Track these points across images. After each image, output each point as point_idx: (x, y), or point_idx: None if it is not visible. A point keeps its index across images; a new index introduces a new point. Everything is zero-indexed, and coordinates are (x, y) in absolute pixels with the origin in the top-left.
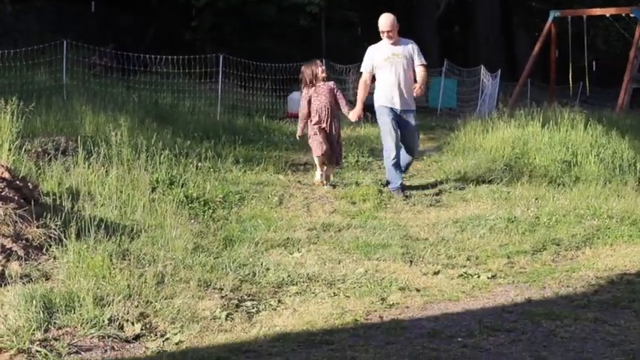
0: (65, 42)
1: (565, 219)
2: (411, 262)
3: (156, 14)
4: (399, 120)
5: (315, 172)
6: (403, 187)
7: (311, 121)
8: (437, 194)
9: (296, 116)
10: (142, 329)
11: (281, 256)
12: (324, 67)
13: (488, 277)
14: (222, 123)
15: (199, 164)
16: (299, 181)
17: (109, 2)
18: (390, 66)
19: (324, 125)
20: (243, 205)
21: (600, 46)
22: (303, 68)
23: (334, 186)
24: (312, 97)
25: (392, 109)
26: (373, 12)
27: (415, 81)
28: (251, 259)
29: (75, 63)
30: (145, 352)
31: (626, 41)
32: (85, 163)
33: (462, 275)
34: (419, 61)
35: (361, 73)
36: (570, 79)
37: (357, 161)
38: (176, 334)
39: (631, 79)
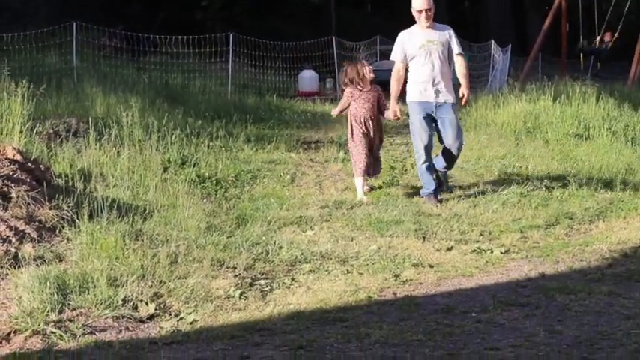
0: (75, 24)
1: (578, 192)
2: (424, 238)
3: None
4: (434, 116)
5: (356, 187)
6: (437, 193)
7: (353, 126)
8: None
9: (307, 94)
10: (156, 309)
11: (294, 234)
12: (371, 67)
13: (501, 252)
14: (233, 102)
15: (211, 144)
16: (310, 159)
17: None
18: (425, 55)
19: (369, 133)
20: (255, 183)
21: (611, 20)
22: (346, 67)
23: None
24: (357, 100)
25: (425, 103)
26: None
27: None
28: (264, 238)
29: (85, 45)
30: (159, 331)
31: (637, 14)
32: (96, 145)
33: (475, 250)
34: (457, 49)
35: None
36: (581, 54)
37: None
38: (190, 313)
39: None
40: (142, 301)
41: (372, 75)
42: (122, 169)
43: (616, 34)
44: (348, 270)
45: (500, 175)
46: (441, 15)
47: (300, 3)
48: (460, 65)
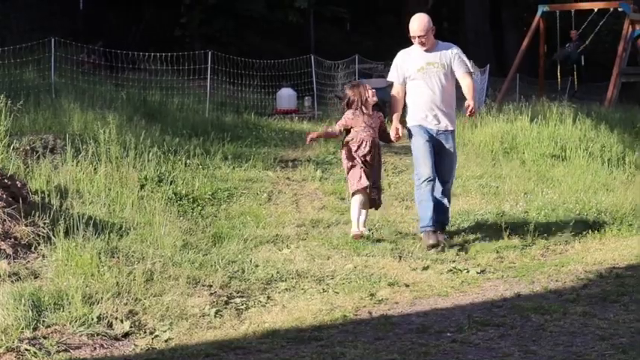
0: (53, 40)
1: (554, 213)
2: (400, 257)
3: (145, 11)
4: (435, 143)
5: (351, 213)
6: (436, 226)
7: (352, 151)
8: None
9: (285, 113)
10: (130, 327)
11: (270, 253)
12: (374, 91)
13: (477, 272)
14: (210, 120)
15: (188, 161)
16: (288, 178)
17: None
18: (424, 78)
19: (369, 158)
20: (232, 201)
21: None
22: (348, 91)
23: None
24: (359, 124)
25: (427, 129)
26: (361, 8)
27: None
28: (240, 256)
29: (63, 61)
30: (134, 349)
31: (613, 36)
32: (73, 161)
33: (451, 270)
34: (463, 69)
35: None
36: (559, 74)
37: None
38: (165, 331)
39: (620, 72)
40: (116, 318)
41: (374, 99)
42: (99, 185)
43: (586, 42)
44: (323, 289)
45: (477, 194)
46: None
47: (279, 21)
48: (466, 86)
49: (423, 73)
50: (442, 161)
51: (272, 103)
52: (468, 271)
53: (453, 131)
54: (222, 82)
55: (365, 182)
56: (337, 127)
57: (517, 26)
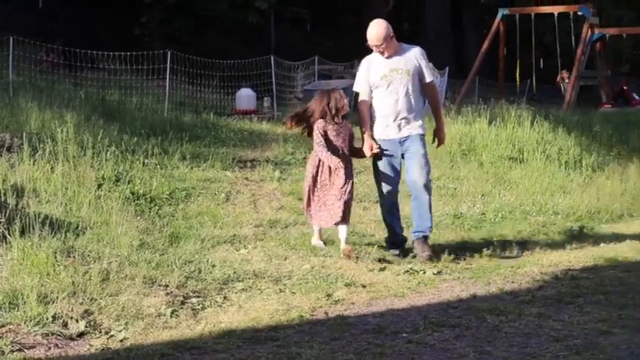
0: (12, 38)
1: (511, 215)
2: (357, 258)
3: (105, 9)
4: (401, 152)
5: (312, 234)
6: (402, 243)
7: (318, 166)
8: None
9: (244, 113)
10: (86, 326)
11: (227, 253)
12: (348, 98)
13: (433, 273)
14: (169, 119)
15: (146, 161)
16: (246, 178)
17: None
18: (387, 86)
19: (340, 174)
20: (189, 201)
21: (548, 44)
22: (318, 98)
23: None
24: (330, 137)
25: (389, 142)
26: (321, 8)
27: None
28: (197, 256)
29: (22, 59)
30: (89, 349)
31: (576, 38)
32: (30, 160)
33: (407, 271)
34: (427, 77)
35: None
36: (518, 77)
37: (304, 157)
38: (120, 331)
39: (578, 76)
40: (72, 318)
41: (347, 110)
42: (56, 185)
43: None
44: (280, 289)
45: (434, 196)
46: None
47: (239, 21)
48: (430, 97)
49: (387, 81)
50: (409, 163)
51: (231, 103)
52: (424, 272)
53: (419, 135)
54: (182, 81)
55: (330, 222)
56: (320, 150)
57: (477, 28)
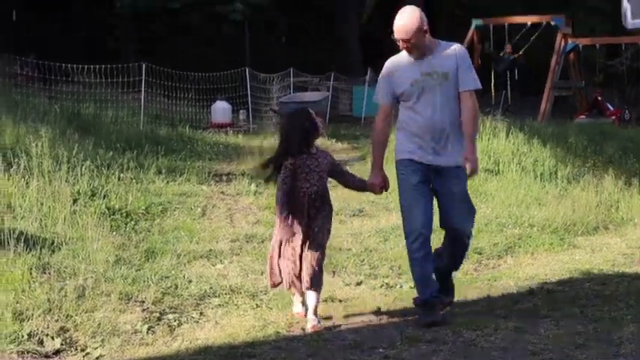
0: None
1: (487, 228)
2: (334, 272)
3: (79, 22)
4: (434, 184)
5: (293, 298)
6: (440, 301)
7: (285, 210)
8: (360, 204)
9: (220, 126)
10: (62, 344)
11: (203, 268)
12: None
13: (410, 287)
14: (145, 133)
15: (121, 175)
16: (222, 192)
17: (30, 11)
18: (419, 94)
19: (310, 221)
20: (165, 216)
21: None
22: (289, 119)
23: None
24: (299, 170)
25: (420, 164)
26: (298, 18)
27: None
28: (173, 272)
29: None
30: None
31: (546, 49)
32: (4, 175)
33: (383, 285)
34: (464, 84)
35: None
36: (492, 88)
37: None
38: (96, 348)
39: (552, 86)
40: (47, 335)
41: (323, 133)
42: (30, 200)
43: (520, 52)
44: (257, 304)
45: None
46: (354, 46)
47: (214, 33)
48: (466, 108)
49: (418, 88)
50: (450, 209)
51: (207, 116)
52: (401, 287)
53: (460, 168)
54: (157, 94)
55: (290, 273)
56: (281, 195)
57: (452, 39)
